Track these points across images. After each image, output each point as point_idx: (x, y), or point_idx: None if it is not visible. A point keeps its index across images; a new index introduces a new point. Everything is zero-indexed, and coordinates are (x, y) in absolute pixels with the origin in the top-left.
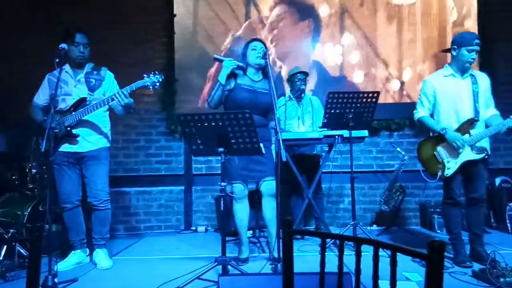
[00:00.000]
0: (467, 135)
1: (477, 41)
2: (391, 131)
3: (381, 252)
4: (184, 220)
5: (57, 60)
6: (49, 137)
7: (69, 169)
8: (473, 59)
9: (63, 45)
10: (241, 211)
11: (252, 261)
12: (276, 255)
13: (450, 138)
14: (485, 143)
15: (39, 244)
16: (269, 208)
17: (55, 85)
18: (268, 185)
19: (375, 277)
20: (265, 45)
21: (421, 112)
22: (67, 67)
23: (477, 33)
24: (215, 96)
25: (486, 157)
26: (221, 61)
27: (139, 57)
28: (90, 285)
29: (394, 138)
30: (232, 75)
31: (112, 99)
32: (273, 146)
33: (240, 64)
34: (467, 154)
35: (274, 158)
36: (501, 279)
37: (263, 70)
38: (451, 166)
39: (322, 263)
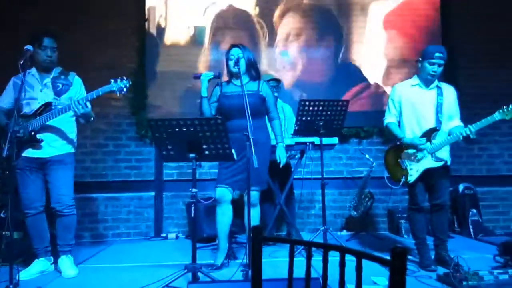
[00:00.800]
0: (428, 144)
1: (438, 54)
2: (360, 139)
3: (349, 257)
4: (154, 226)
5: (21, 62)
6: (11, 141)
7: (32, 174)
8: (434, 72)
9: (29, 47)
10: (222, 215)
11: (224, 267)
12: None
13: (408, 142)
14: (445, 152)
15: None
16: (251, 216)
17: (19, 88)
18: (252, 194)
19: (341, 282)
20: (241, 47)
21: (388, 119)
22: (33, 70)
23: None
24: (204, 110)
25: (444, 165)
26: (199, 77)
27: (109, 60)
28: None
29: (363, 145)
30: (218, 85)
31: (69, 108)
32: (234, 151)
33: (216, 73)
34: (428, 162)
35: (255, 162)
36: (464, 283)
37: (248, 72)
38: (413, 173)
39: (290, 269)
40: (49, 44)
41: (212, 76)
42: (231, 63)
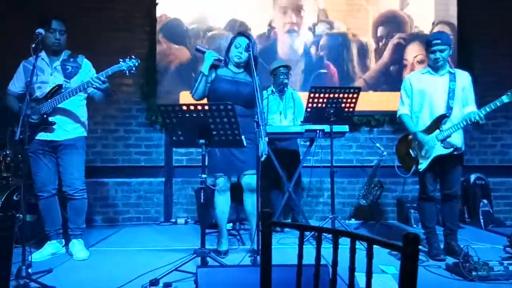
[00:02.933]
0: (437, 131)
1: (435, 41)
2: (371, 127)
3: (358, 245)
4: (163, 212)
5: (33, 45)
6: (24, 125)
7: (45, 158)
8: (437, 59)
9: (40, 30)
10: (223, 203)
11: (232, 253)
12: (256, 247)
13: (418, 139)
14: (457, 139)
15: (11, 234)
16: (250, 201)
17: (30, 72)
18: (248, 179)
19: (352, 269)
20: (250, 38)
21: (401, 110)
22: (43, 54)
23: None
24: (199, 88)
25: (456, 153)
26: (203, 52)
27: (119, 46)
28: (65, 276)
29: (374, 134)
30: (213, 67)
31: (88, 85)
32: (243, 137)
33: (221, 57)
34: (438, 149)
35: (258, 150)
36: (473, 273)
37: (246, 64)
38: (424, 161)
39: (300, 255)
40: (58, 27)
41: (217, 58)
42: (236, 51)
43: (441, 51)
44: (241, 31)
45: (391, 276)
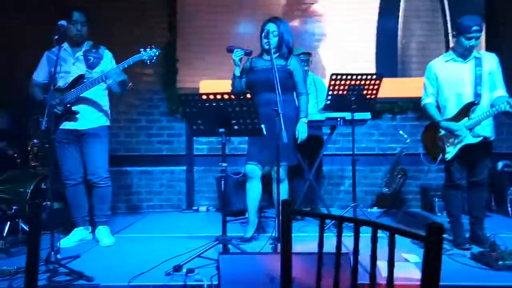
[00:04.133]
0: (466, 119)
1: (476, 27)
2: (394, 114)
3: (380, 234)
4: (185, 199)
5: (56, 37)
6: (49, 115)
7: (70, 147)
8: (472, 46)
9: (62, 22)
10: (251, 190)
11: (253, 240)
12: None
13: (445, 127)
14: (487, 127)
15: (39, 221)
16: (280, 191)
17: (54, 62)
18: (280, 170)
19: (373, 258)
20: (278, 24)
21: (426, 99)
22: (65, 45)
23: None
24: (234, 87)
25: (486, 141)
26: (231, 51)
27: (139, 36)
28: (92, 261)
29: (397, 121)
30: (248, 61)
31: (106, 77)
32: (263, 126)
33: (247, 50)
34: (466, 138)
35: (285, 138)
36: (500, 262)
37: (277, 50)
38: (451, 150)
39: (321, 243)
40: (79, 19)
41: (243, 54)
42: (264, 39)
43: (477, 38)
44: (270, 17)
45: (414, 265)
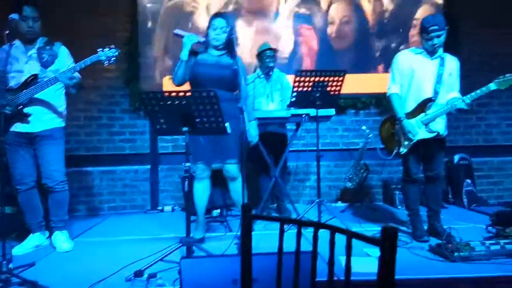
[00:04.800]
0: (422, 114)
1: (433, 27)
2: (357, 109)
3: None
4: (150, 199)
5: (7, 32)
6: None
7: (22, 149)
8: (434, 45)
9: (14, 15)
10: (200, 190)
11: (219, 240)
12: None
13: (404, 126)
14: (440, 124)
15: None
16: (233, 189)
17: (4, 61)
18: (228, 168)
19: (331, 260)
20: (229, 20)
21: (393, 88)
22: (17, 42)
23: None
24: (178, 74)
25: (439, 137)
26: (181, 36)
27: (100, 29)
28: (48, 269)
29: (360, 116)
30: (193, 52)
31: (57, 79)
32: (227, 124)
33: (201, 39)
34: (421, 133)
35: (242, 137)
36: (456, 254)
37: (225, 47)
38: (406, 144)
39: (280, 247)
40: (30, 14)
41: (197, 41)
42: (214, 34)
43: (438, 36)
44: (218, 12)
45: (376, 259)
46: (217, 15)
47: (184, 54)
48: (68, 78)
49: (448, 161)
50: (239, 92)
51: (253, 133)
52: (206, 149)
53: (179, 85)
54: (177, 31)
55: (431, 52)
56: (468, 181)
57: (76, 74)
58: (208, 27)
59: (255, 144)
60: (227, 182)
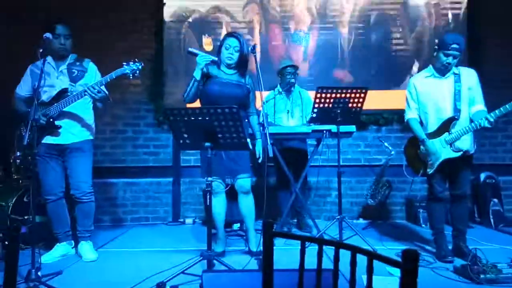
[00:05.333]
0: (446, 134)
1: (454, 45)
2: (379, 126)
3: (365, 246)
4: (172, 211)
5: (41, 50)
6: (32, 129)
7: (52, 161)
8: (448, 63)
9: (48, 35)
10: (217, 205)
11: (239, 254)
12: (253, 248)
13: (426, 147)
14: (467, 141)
15: (16, 246)
16: (244, 204)
17: (38, 76)
18: (241, 183)
19: (352, 281)
20: (240, 39)
21: (409, 114)
22: (49, 58)
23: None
24: (190, 92)
25: (466, 155)
26: (195, 55)
27: (126, 47)
28: (75, 277)
29: (382, 133)
30: (206, 69)
31: (85, 93)
32: (249, 140)
33: (214, 58)
34: (447, 152)
35: (271, 152)
36: (482, 276)
37: (237, 66)
38: (432, 164)
39: (301, 266)
40: (62, 32)
41: (210, 61)
42: (227, 53)
43: (455, 57)
44: (231, 32)
45: (397, 279)
46: (230, 34)
47: (197, 73)
48: (96, 92)
49: (474, 179)
50: (249, 109)
51: (260, 150)
52: (216, 165)
53: (189, 103)
54: (191, 49)
55: (441, 71)
56: (495, 200)
57: (103, 88)
58: (221, 46)
59: (262, 160)
60: (239, 196)
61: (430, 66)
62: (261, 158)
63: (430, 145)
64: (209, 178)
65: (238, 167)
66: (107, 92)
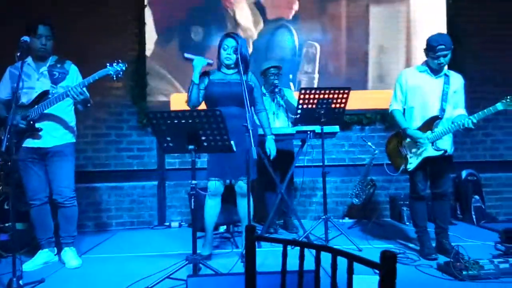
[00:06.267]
0: (429, 132)
1: (441, 47)
2: (363, 125)
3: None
4: (157, 215)
5: (18, 53)
6: (10, 133)
7: (35, 165)
8: (440, 63)
9: (25, 38)
10: (212, 208)
11: (225, 257)
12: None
13: (409, 134)
14: (447, 142)
15: None
16: (243, 206)
17: (16, 78)
18: (241, 184)
19: (333, 283)
20: (237, 39)
21: (394, 105)
22: (29, 59)
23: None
24: (192, 97)
25: (446, 155)
26: (191, 60)
27: (108, 49)
28: (58, 285)
29: (366, 132)
30: (206, 73)
31: (67, 94)
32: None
33: (210, 61)
34: (428, 151)
35: (254, 154)
36: (464, 272)
37: (238, 64)
38: (413, 161)
39: (283, 268)
40: (44, 33)
41: (206, 64)
42: (225, 53)
43: (445, 56)
44: (228, 32)
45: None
46: (228, 35)
47: (195, 77)
48: (78, 93)
49: (456, 177)
50: (255, 107)
51: (271, 146)
52: (220, 165)
53: (194, 107)
54: (187, 55)
55: (435, 71)
56: (477, 197)
57: (85, 90)
58: (220, 47)
59: (274, 158)
60: (237, 198)
61: (425, 63)
62: (271, 155)
63: (414, 132)
64: (194, 181)
65: (239, 168)
66: (88, 95)
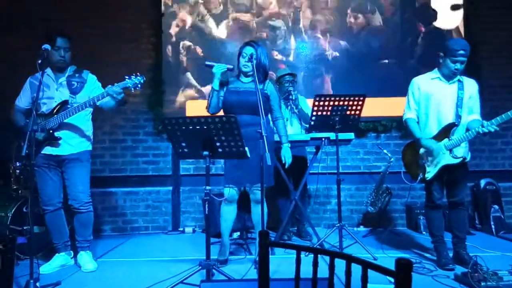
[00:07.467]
0: (446, 140)
1: (462, 51)
2: (378, 133)
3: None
4: (171, 220)
5: (40, 61)
6: (30, 141)
7: (50, 172)
8: (457, 69)
9: (46, 46)
10: (228, 213)
11: (239, 263)
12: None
13: (424, 145)
14: (463, 149)
15: (12, 257)
16: (257, 213)
17: (37, 88)
18: (256, 191)
19: None
20: (256, 47)
21: (408, 114)
22: (48, 70)
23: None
24: (212, 103)
25: (463, 161)
26: (211, 67)
27: (125, 57)
28: None
29: (381, 140)
30: (227, 81)
31: (103, 96)
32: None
33: (230, 66)
34: (446, 158)
35: (268, 160)
36: (483, 283)
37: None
38: (431, 170)
39: (297, 275)
40: (62, 45)
41: (226, 69)
42: (243, 61)
43: (463, 62)
44: (248, 41)
45: None
46: (247, 43)
47: (215, 84)
48: (117, 93)
49: (474, 186)
50: (272, 114)
51: (286, 154)
52: (238, 172)
53: (214, 113)
54: (208, 62)
55: (448, 77)
56: (496, 206)
57: (122, 90)
58: (239, 55)
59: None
60: (251, 204)
61: (436, 69)
62: (287, 163)
63: (428, 142)
64: (208, 187)
65: (255, 175)
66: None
